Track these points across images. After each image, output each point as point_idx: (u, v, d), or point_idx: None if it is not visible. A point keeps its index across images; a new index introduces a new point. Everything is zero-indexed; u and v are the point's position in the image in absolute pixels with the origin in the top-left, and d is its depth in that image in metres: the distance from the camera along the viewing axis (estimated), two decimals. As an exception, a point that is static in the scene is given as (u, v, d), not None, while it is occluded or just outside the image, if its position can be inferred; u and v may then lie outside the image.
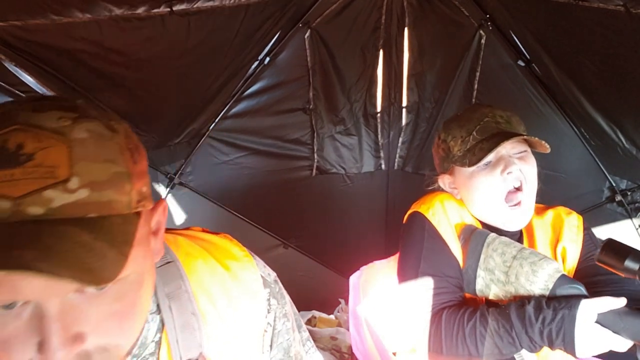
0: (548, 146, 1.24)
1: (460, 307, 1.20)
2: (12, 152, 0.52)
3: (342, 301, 2.85)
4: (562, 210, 1.37)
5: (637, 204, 2.22)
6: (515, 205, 1.25)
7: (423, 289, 1.24)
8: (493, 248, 1.21)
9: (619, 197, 2.25)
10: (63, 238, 0.51)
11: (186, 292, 0.75)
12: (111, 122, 0.61)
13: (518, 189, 1.25)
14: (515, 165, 1.23)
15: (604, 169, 2.27)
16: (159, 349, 0.72)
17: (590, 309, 1.03)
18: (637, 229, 2.23)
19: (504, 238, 1.23)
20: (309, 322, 2.71)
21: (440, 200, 1.33)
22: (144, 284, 0.63)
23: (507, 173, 1.22)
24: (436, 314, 1.21)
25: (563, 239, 1.31)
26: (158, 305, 0.74)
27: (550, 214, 1.37)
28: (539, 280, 1.11)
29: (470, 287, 1.25)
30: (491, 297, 1.21)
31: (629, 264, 0.97)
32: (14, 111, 0.56)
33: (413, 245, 1.31)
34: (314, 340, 2.67)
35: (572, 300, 1.05)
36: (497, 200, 1.25)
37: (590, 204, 2.34)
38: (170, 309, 0.73)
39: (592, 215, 2.27)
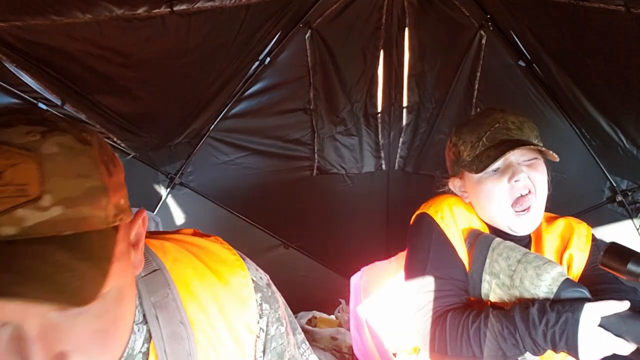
0: (557, 156, 1.23)
1: (465, 309, 1.20)
2: None
3: (343, 301, 2.85)
4: (572, 220, 1.37)
5: (637, 204, 2.22)
6: (523, 211, 1.24)
7: (429, 290, 1.25)
8: (498, 252, 1.21)
9: (619, 198, 2.25)
10: (39, 259, 0.49)
11: (173, 301, 0.73)
12: (83, 134, 0.59)
13: (526, 196, 1.24)
14: (524, 173, 1.22)
15: (604, 169, 2.27)
16: None
17: (594, 312, 1.03)
18: (637, 230, 2.22)
19: (508, 242, 1.23)
20: (309, 322, 2.71)
21: (448, 204, 1.33)
22: (125, 299, 0.62)
23: (515, 181, 1.22)
24: (441, 316, 1.21)
25: (571, 247, 1.30)
26: (144, 315, 0.72)
27: (560, 223, 1.36)
28: (543, 284, 1.11)
29: (475, 291, 1.25)
30: (496, 300, 1.21)
31: (631, 267, 0.97)
32: None
33: (420, 247, 1.31)
34: (315, 341, 2.68)
35: (576, 304, 1.05)
36: (504, 206, 1.25)
37: (591, 204, 2.33)
38: (157, 318, 0.71)
39: (593, 215, 2.27)
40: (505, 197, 1.24)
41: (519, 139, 1.24)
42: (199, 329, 0.74)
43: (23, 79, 1.56)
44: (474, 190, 1.31)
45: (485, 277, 1.22)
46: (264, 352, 0.83)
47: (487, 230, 1.32)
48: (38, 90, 1.63)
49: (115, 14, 1.49)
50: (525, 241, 1.32)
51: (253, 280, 0.81)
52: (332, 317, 2.82)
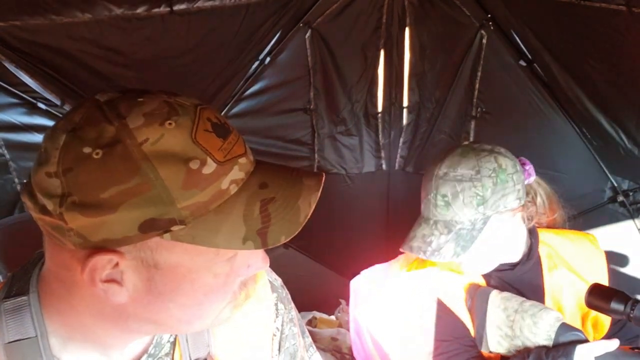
0: None
1: None
2: (223, 124, 0.60)
3: (343, 302, 2.84)
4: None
5: (639, 205, 2.21)
6: None
7: (439, 353, 1.30)
8: (496, 304, 1.23)
9: (620, 198, 2.24)
10: None
11: None
12: None
13: None
14: None
15: (605, 169, 2.26)
16: (174, 350, 0.73)
17: (586, 353, 1.06)
18: (639, 230, 2.22)
19: (505, 293, 1.25)
20: (309, 322, 2.70)
21: (446, 278, 1.36)
22: None
23: None
24: None
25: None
26: None
27: (578, 282, 1.32)
28: (541, 331, 1.14)
29: (482, 345, 1.27)
30: (503, 352, 1.23)
31: (614, 305, 1.03)
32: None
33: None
34: (315, 341, 2.66)
35: (569, 348, 1.08)
36: None
37: (592, 204, 2.32)
38: None
39: (594, 216, 2.26)
40: None
41: None
42: None
43: (22, 79, 1.56)
44: None
45: (488, 330, 1.24)
46: (279, 350, 0.85)
47: (484, 283, 1.33)
48: (37, 90, 1.63)
49: (115, 14, 1.49)
50: (537, 294, 1.32)
51: (269, 281, 0.85)
52: (332, 317, 2.82)
